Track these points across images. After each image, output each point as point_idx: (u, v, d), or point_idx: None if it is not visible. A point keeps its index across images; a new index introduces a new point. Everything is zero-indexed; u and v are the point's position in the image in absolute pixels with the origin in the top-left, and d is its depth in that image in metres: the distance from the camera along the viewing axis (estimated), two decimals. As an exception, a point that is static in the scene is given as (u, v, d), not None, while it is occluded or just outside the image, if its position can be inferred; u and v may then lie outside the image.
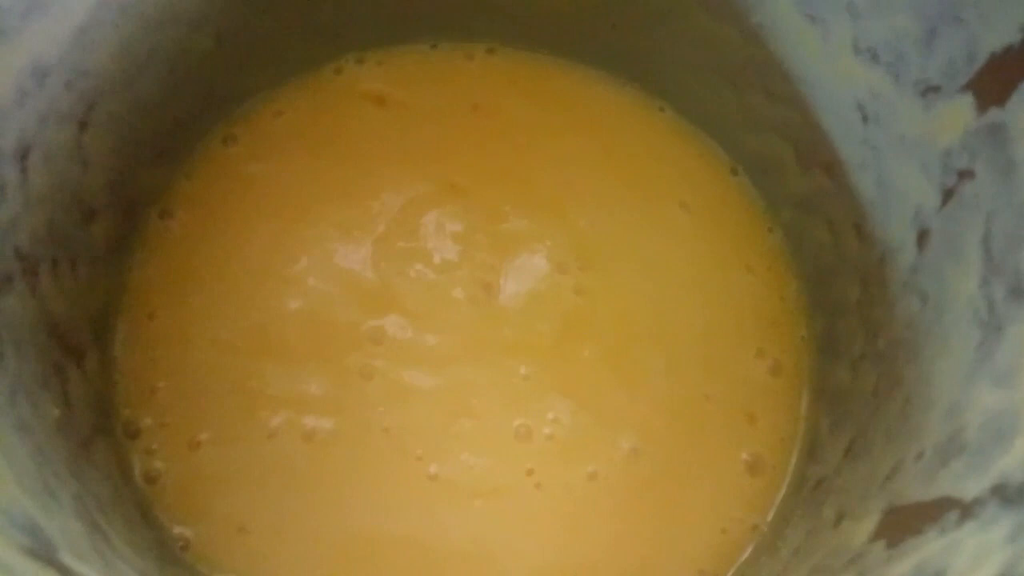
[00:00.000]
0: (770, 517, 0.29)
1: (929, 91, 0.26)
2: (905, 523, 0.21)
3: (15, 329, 0.23)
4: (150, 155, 0.31)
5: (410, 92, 0.35)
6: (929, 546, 0.19)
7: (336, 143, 0.34)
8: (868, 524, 0.24)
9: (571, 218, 0.33)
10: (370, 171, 0.34)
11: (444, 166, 0.34)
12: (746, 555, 0.29)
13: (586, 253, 0.33)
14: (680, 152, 0.35)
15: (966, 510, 0.19)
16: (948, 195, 0.26)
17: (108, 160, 0.29)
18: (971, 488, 0.20)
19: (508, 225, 0.33)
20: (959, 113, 0.25)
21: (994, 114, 0.23)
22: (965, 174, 0.25)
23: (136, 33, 0.29)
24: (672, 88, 0.35)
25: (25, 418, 0.21)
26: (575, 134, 0.35)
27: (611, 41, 0.35)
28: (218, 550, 0.28)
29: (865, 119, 0.29)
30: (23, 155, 0.25)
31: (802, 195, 0.33)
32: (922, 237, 0.27)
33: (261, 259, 0.32)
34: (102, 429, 0.27)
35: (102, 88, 0.28)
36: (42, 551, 0.17)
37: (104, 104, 0.28)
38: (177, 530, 0.28)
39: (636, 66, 0.35)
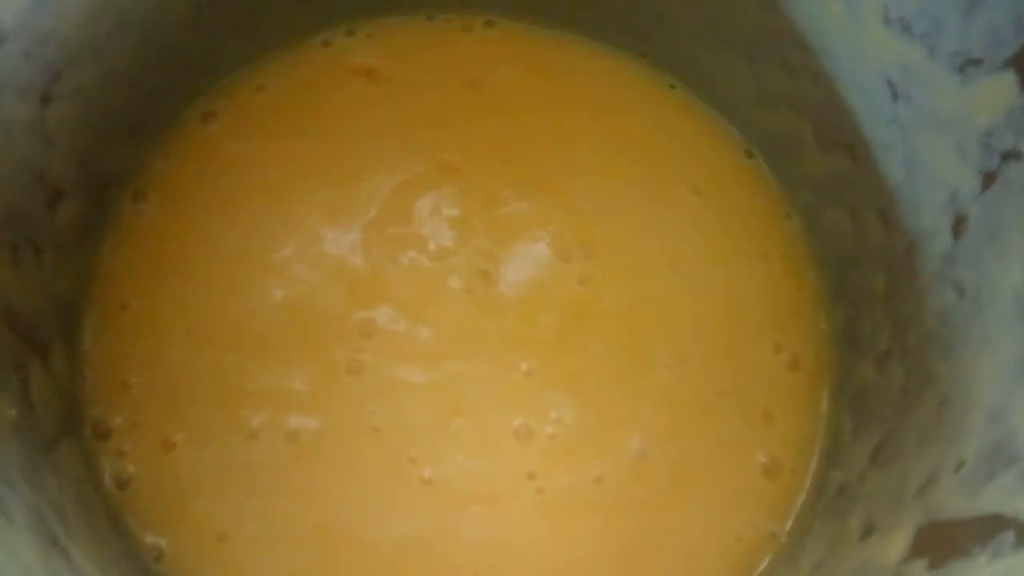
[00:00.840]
0: (789, 525, 0.27)
1: (968, 65, 0.24)
2: (948, 542, 0.19)
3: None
4: (122, 132, 0.29)
5: (403, 66, 0.33)
6: (980, 573, 0.17)
7: (323, 120, 0.32)
8: (901, 539, 0.22)
9: (575, 202, 0.31)
10: (360, 151, 0.31)
11: (439, 145, 0.32)
12: (763, 566, 0.27)
13: (591, 240, 0.31)
14: (691, 132, 0.33)
15: (1023, 532, 0.17)
16: (990, 178, 0.24)
17: (75, 137, 0.27)
18: (1028, 506, 0.18)
19: (507, 209, 0.31)
20: (1001, 89, 0.23)
21: (1047, 88, 0.21)
22: (1010, 155, 0.23)
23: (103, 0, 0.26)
24: (683, 63, 0.33)
25: (-27, 422, 0.19)
26: (579, 112, 0.33)
27: (618, 13, 0.33)
28: (195, 560, 0.26)
29: (895, 96, 0.27)
30: (-25, 130, 0.22)
31: (821, 178, 0.31)
32: (958, 224, 0.25)
33: (242, 245, 0.30)
34: (68, 430, 0.25)
35: (67, 58, 0.26)
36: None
37: (69, 76, 0.26)
38: (150, 539, 0.26)
39: (645, 40, 0.33)
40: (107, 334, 0.28)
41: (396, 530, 0.26)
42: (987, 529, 0.18)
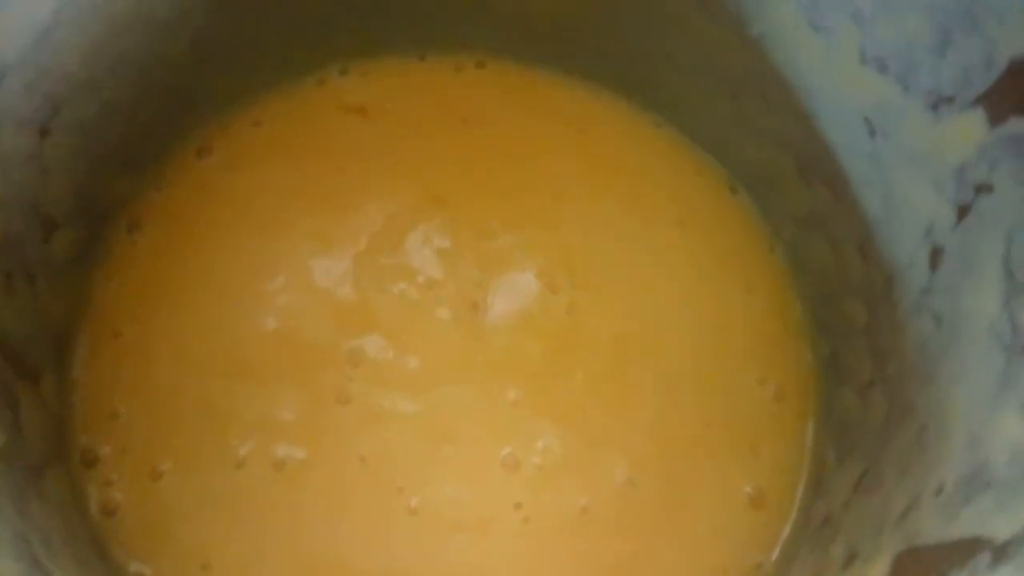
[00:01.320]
0: (775, 556, 0.28)
1: (941, 102, 0.25)
2: (927, 565, 0.19)
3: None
4: (118, 164, 0.30)
5: (395, 104, 0.34)
6: (957, 594, 0.18)
7: (317, 155, 0.32)
8: (881, 566, 0.22)
9: (562, 234, 0.32)
10: (352, 184, 0.32)
11: (430, 179, 0.32)
12: (749, 596, 0.27)
13: (578, 271, 0.31)
14: (677, 168, 0.34)
15: (999, 552, 0.18)
16: (964, 211, 0.24)
17: (72, 169, 0.27)
18: (1003, 528, 0.18)
19: (496, 241, 0.32)
20: (973, 125, 0.24)
21: (1015, 124, 0.22)
22: (983, 188, 0.23)
23: (105, 35, 0.27)
24: (669, 102, 0.34)
25: (-39, 445, 0.19)
26: (567, 149, 0.34)
27: (606, 53, 0.34)
28: (179, 589, 0.25)
29: (872, 132, 0.27)
30: (-27, 159, 0.23)
31: (804, 212, 0.32)
32: (935, 256, 0.25)
33: (234, 276, 0.30)
34: (56, 457, 0.25)
35: (67, 93, 0.26)
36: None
37: (69, 110, 0.27)
38: (135, 567, 0.26)
39: (631, 79, 0.34)
40: (98, 362, 0.28)
41: (382, 559, 0.26)
42: (964, 552, 0.19)
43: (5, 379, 0.23)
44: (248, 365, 0.29)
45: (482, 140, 0.33)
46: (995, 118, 0.23)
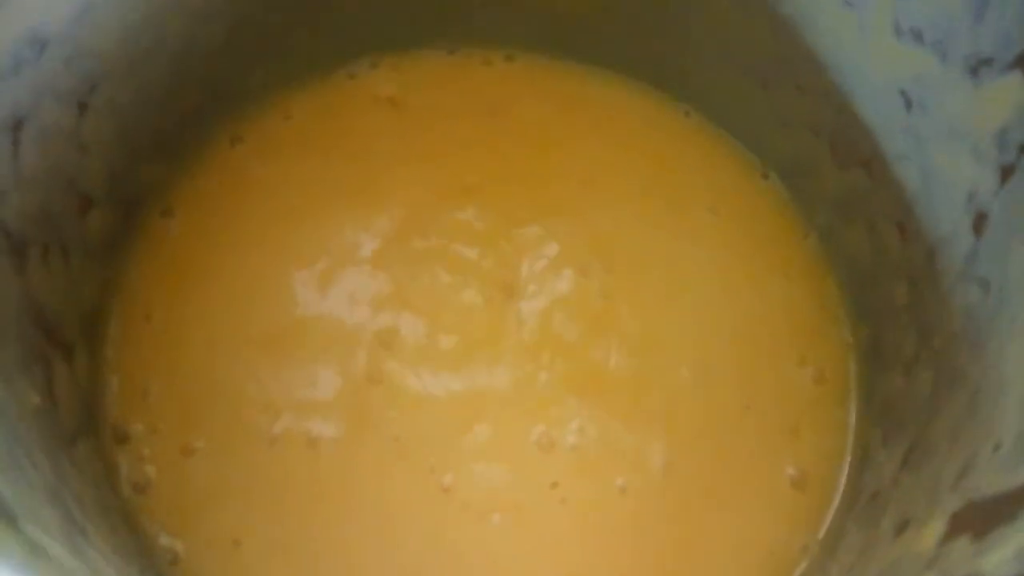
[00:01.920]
0: (821, 535, 0.27)
1: (980, 66, 0.24)
2: (990, 514, 0.19)
3: (-5, 305, 0.21)
4: (152, 149, 0.30)
5: (425, 97, 0.34)
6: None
7: (347, 146, 0.33)
8: (937, 526, 0.21)
9: (593, 223, 0.32)
10: (383, 174, 0.32)
11: (460, 170, 0.32)
12: (795, 577, 0.26)
13: (610, 257, 0.31)
14: (707, 157, 0.34)
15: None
16: (1007, 173, 0.24)
17: (108, 150, 0.28)
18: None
19: (527, 229, 0.31)
20: (1013, 86, 0.24)
21: (1059, 75, 0.22)
22: (1027, 147, 0.23)
23: (143, 19, 0.27)
24: (698, 91, 0.34)
25: (-2, 397, 0.19)
26: (597, 139, 0.34)
27: (634, 44, 0.34)
28: (210, 565, 0.25)
29: (909, 105, 0.27)
30: (16, 126, 0.23)
31: (839, 196, 0.31)
32: (979, 221, 0.25)
33: (265, 261, 0.30)
34: (87, 430, 0.25)
35: (104, 71, 0.27)
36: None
37: (105, 89, 0.27)
38: (166, 542, 0.25)
39: (660, 69, 0.34)
40: (130, 343, 0.28)
41: (416, 538, 0.26)
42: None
43: (40, 347, 0.23)
44: (280, 347, 0.28)
45: (512, 131, 0.33)
46: (1033, 77, 0.23)
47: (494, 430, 0.27)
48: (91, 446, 0.25)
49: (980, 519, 0.19)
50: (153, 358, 0.28)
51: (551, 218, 0.32)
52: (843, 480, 0.27)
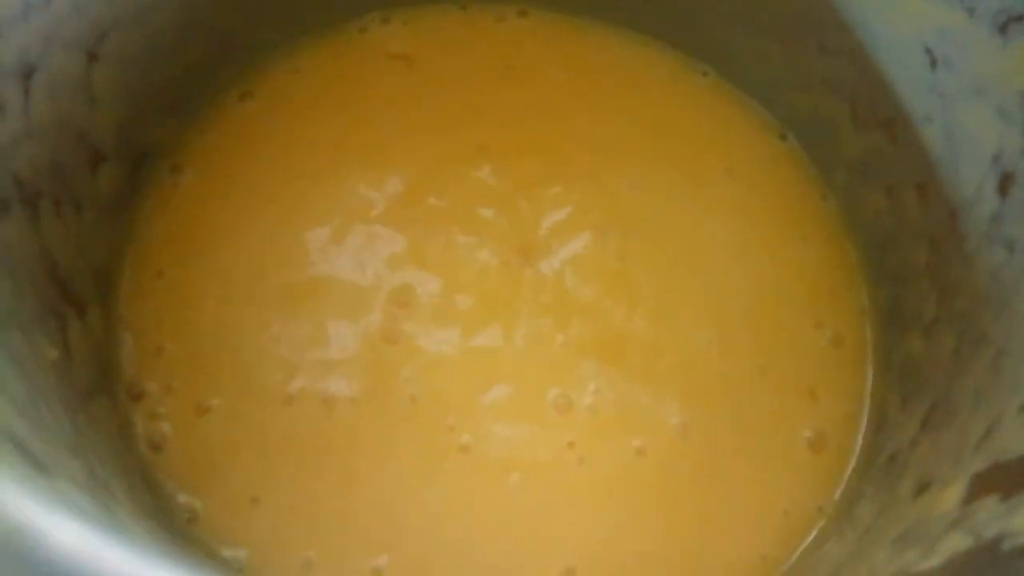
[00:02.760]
0: (837, 496, 0.27)
1: (1011, 22, 0.24)
2: (1018, 474, 0.18)
3: (11, 259, 0.21)
4: (161, 104, 0.29)
5: (438, 53, 0.33)
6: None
7: (358, 103, 0.32)
8: (957, 488, 0.21)
9: (610, 183, 0.31)
10: (395, 132, 0.31)
11: (475, 128, 0.32)
12: (811, 538, 0.26)
13: (627, 218, 0.31)
14: (725, 117, 0.33)
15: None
16: (1037, 132, 0.23)
17: (117, 103, 0.27)
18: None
19: (543, 188, 0.31)
20: (1045, 44, 0.23)
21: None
22: (1057, 105, 0.23)
23: (151, -34, 0.27)
24: (715, 50, 0.33)
25: (18, 350, 0.19)
26: (613, 98, 0.33)
27: (649, 1, 0.33)
28: (228, 522, 0.25)
29: (934, 63, 0.27)
30: (26, 75, 0.23)
31: (858, 158, 0.31)
32: (1005, 182, 0.25)
33: (278, 218, 0.30)
34: (102, 388, 0.25)
35: (114, 18, 0.26)
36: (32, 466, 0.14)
37: (115, 38, 0.26)
38: (184, 500, 0.25)
39: (676, 28, 0.33)
40: (142, 299, 0.28)
41: (434, 497, 0.26)
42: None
43: (54, 302, 0.23)
44: (294, 305, 0.28)
45: (525, 89, 0.33)
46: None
47: (511, 390, 0.27)
48: (107, 404, 0.24)
49: (1008, 479, 0.19)
50: (166, 315, 0.27)
51: (567, 179, 0.31)
52: (860, 442, 0.27)
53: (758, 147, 0.33)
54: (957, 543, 0.19)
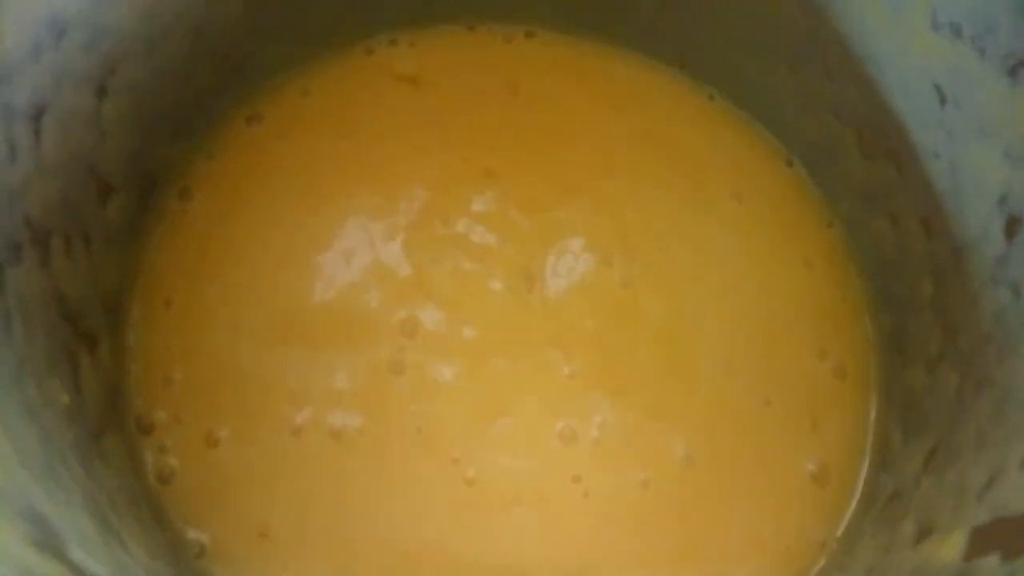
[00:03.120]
0: (839, 532, 0.27)
1: (1020, 66, 0.24)
2: (1018, 533, 0.19)
3: (24, 303, 0.21)
4: (170, 131, 0.29)
5: (445, 75, 0.33)
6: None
7: (367, 125, 0.32)
8: (958, 539, 0.21)
9: (615, 207, 0.31)
10: (402, 155, 0.31)
11: (481, 150, 0.32)
12: (813, 574, 0.26)
13: (633, 244, 0.31)
14: (731, 141, 0.33)
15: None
16: (1044, 178, 0.24)
17: (127, 133, 0.27)
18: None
19: (548, 214, 0.31)
20: (1054, 91, 0.23)
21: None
22: (1066, 153, 0.23)
23: (160, -3, 0.27)
24: (723, 73, 0.33)
25: (32, 400, 0.19)
26: (619, 121, 0.33)
27: (657, 24, 0.33)
28: (237, 556, 0.25)
29: (943, 101, 0.27)
30: (37, 115, 0.23)
31: (864, 187, 0.31)
32: (1012, 225, 0.25)
33: (285, 244, 0.30)
34: (113, 423, 0.25)
35: (123, 52, 0.26)
36: (50, 543, 0.15)
37: (124, 70, 0.26)
38: (192, 534, 0.25)
39: (684, 50, 0.33)
40: (151, 329, 0.28)
41: (438, 529, 0.26)
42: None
43: (66, 340, 0.23)
44: (302, 334, 0.28)
45: (532, 111, 0.33)
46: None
47: (517, 422, 0.27)
48: (117, 439, 0.25)
49: (1010, 538, 0.19)
50: (175, 345, 0.28)
51: (572, 203, 0.31)
52: (863, 476, 0.28)
53: (764, 173, 0.33)
54: (959, 598, 0.19)
